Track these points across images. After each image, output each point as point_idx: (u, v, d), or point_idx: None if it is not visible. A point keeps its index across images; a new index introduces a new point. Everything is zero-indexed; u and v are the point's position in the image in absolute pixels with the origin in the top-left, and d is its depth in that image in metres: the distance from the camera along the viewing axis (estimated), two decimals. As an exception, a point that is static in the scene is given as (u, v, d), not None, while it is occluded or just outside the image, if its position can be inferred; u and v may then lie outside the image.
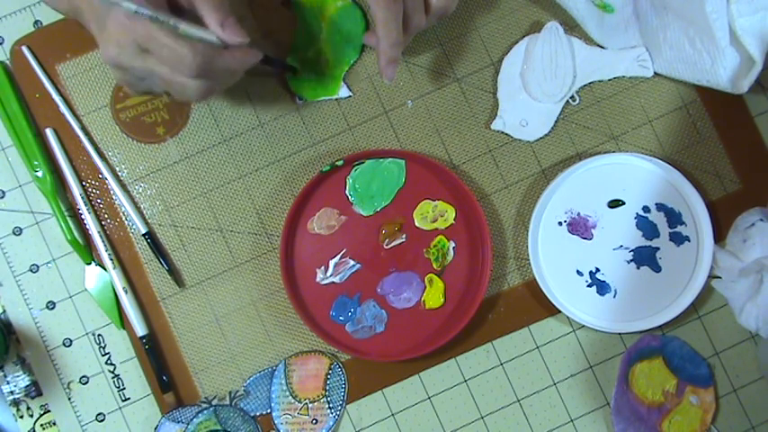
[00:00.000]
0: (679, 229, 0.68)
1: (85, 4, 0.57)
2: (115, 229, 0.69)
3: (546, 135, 0.69)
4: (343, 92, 0.69)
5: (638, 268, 0.68)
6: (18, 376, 0.68)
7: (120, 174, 0.69)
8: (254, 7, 0.68)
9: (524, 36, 0.69)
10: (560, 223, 0.68)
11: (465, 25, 0.70)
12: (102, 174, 0.68)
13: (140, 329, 0.67)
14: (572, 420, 0.69)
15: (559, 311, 0.68)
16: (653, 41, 0.68)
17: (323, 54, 0.69)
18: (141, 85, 0.58)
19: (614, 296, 0.68)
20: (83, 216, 0.68)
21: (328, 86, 0.69)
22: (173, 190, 0.69)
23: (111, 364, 0.68)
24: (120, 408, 0.68)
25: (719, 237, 0.68)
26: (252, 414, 0.68)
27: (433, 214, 0.68)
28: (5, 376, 0.68)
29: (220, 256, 0.69)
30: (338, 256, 0.68)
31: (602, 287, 0.68)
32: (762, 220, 0.66)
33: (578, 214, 0.68)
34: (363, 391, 0.69)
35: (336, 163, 0.67)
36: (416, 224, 0.68)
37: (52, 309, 0.69)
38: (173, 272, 0.68)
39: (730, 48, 0.63)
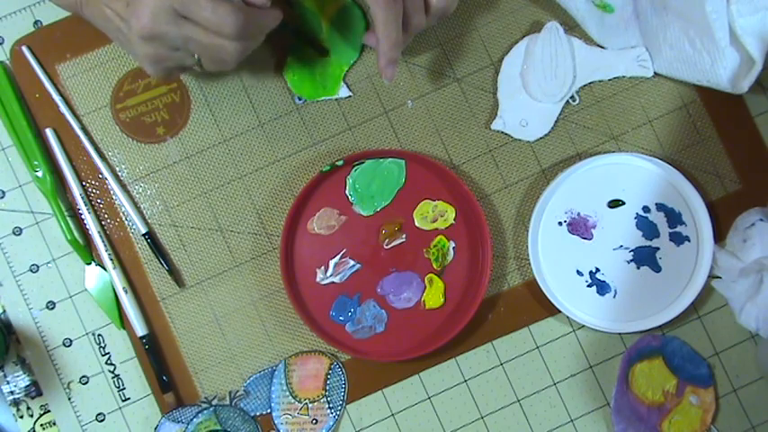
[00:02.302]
0: (679, 229, 0.68)
1: None
2: (115, 229, 0.69)
3: (546, 135, 0.69)
4: (343, 92, 0.69)
5: (638, 268, 0.68)
6: (18, 376, 0.68)
7: (120, 174, 0.69)
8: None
9: (524, 36, 0.69)
10: (560, 223, 0.68)
11: (465, 25, 0.70)
12: (102, 174, 0.68)
13: (140, 329, 0.67)
14: (572, 420, 0.69)
15: (559, 311, 0.68)
16: (653, 41, 0.68)
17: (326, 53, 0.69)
18: (173, 57, 0.57)
19: (614, 296, 0.68)
20: (83, 216, 0.68)
21: (328, 86, 0.69)
22: (173, 190, 0.69)
23: (111, 364, 0.68)
24: (120, 408, 0.68)
25: (719, 237, 0.68)
26: (252, 414, 0.68)
27: (433, 214, 0.68)
28: (5, 376, 0.68)
29: (220, 256, 0.69)
30: (338, 256, 0.68)
31: (602, 287, 0.68)
32: (762, 220, 0.66)
33: (578, 214, 0.68)
34: (363, 391, 0.69)
35: (336, 163, 0.67)
36: (416, 224, 0.68)
37: (52, 309, 0.69)
38: (173, 272, 0.68)
39: (730, 48, 0.63)
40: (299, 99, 0.69)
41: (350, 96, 0.69)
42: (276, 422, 0.68)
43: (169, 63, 0.58)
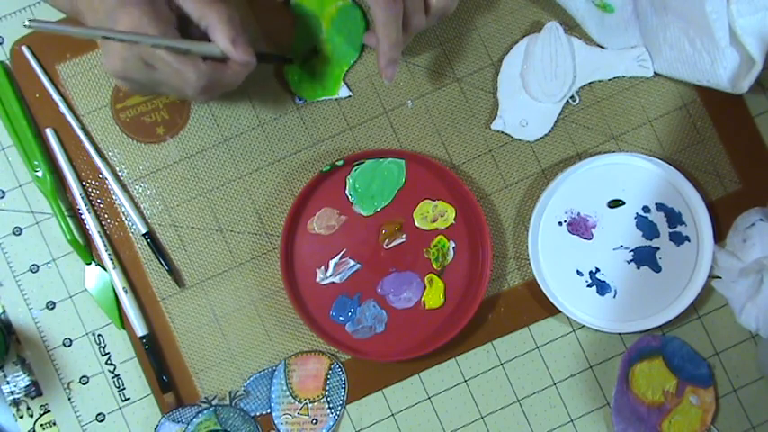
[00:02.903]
0: (679, 229, 0.68)
1: (89, 14, 0.57)
2: (115, 229, 0.69)
3: (546, 135, 0.69)
4: (343, 92, 0.69)
5: (638, 268, 0.68)
6: (18, 376, 0.68)
7: (120, 174, 0.69)
8: (254, 7, 0.68)
9: (524, 36, 0.69)
10: (560, 223, 0.68)
11: (465, 25, 0.70)
12: (102, 174, 0.68)
13: (140, 329, 0.67)
14: (572, 420, 0.69)
15: (559, 311, 0.68)
16: (653, 41, 0.68)
17: (323, 54, 0.69)
18: (144, 91, 0.59)
19: (614, 296, 0.68)
20: (83, 216, 0.68)
21: (328, 86, 0.69)
22: (173, 190, 0.69)
23: (111, 364, 0.68)
24: (120, 408, 0.68)
25: (719, 237, 0.68)
26: (252, 414, 0.68)
27: (433, 214, 0.68)
28: (5, 376, 0.68)
29: (220, 256, 0.69)
30: (338, 256, 0.68)
31: (602, 287, 0.68)
32: (762, 220, 0.66)
33: (578, 214, 0.68)
34: (363, 391, 0.69)
35: (336, 163, 0.67)
36: (416, 224, 0.68)
37: (52, 309, 0.69)
38: (173, 272, 0.68)
39: (730, 48, 0.63)
40: (300, 99, 0.69)
41: (350, 96, 0.69)
42: (276, 422, 0.68)
43: (143, 93, 0.60)
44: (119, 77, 0.56)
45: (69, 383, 0.68)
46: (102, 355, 0.68)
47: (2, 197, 0.69)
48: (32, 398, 0.68)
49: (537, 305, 0.69)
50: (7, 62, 0.69)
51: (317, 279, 0.68)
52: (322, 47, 0.68)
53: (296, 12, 0.68)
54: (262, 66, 0.68)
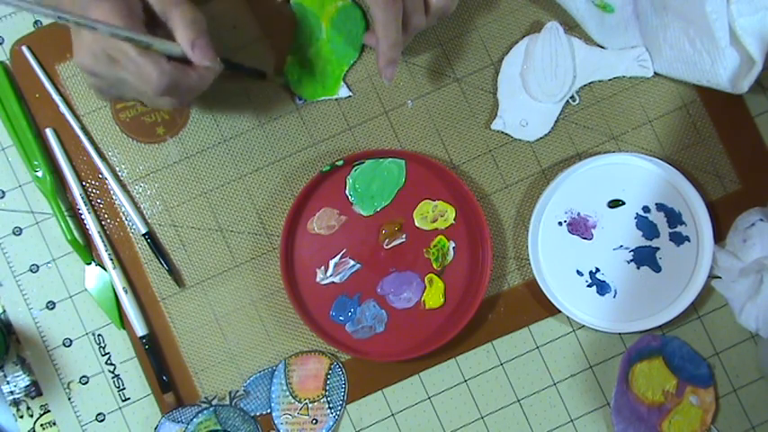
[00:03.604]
0: (679, 229, 0.68)
1: (67, 3, 0.57)
2: (115, 229, 0.69)
3: (546, 135, 0.69)
4: (343, 92, 0.69)
5: (638, 268, 0.68)
6: (18, 376, 0.68)
7: (120, 174, 0.69)
8: (254, 7, 0.68)
9: (524, 36, 0.69)
10: (560, 223, 0.68)
11: (465, 25, 0.70)
12: (102, 174, 0.68)
13: (140, 329, 0.67)
14: (572, 420, 0.69)
15: (559, 311, 0.68)
16: (653, 41, 0.68)
17: (323, 54, 0.69)
18: (112, 91, 0.59)
19: (614, 296, 0.68)
20: (83, 216, 0.68)
21: (328, 86, 0.69)
22: (173, 190, 0.69)
23: (111, 364, 0.68)
24: (120, 408, 0.68)
25: (719, 237, 0.68)
26: (252, 414, 0.68)
27: (433, 214, 0.68)
28: (5, 376, 0.68)
29: (220, 256, 0.69)
30: (338, 256, 0.68)
31: (602, 287, 0.68)
32: (762, 220, 0.66)
33: (578, 214, 0.68)
34: (363, 391, 0.69)
35: (336, 163, 0.67)
36: (416, 224, 0.68)
37: (52, 309, 0.69)
38: (173, 272, 0.68)
39: (730, 48, 0.63)
40: (300, 99, 0.69)
41: (350, 96, 0.69)
42: (276, 422, 0.68)
43: (111, 95, 0.59)
44: (87, 72, 0.56)
45: (69, 383, 0.68)
46: (102, 355, 0.68)
47: (2, 197, 0.69)
48: (32, 398, 0.68)
49: (537, 305, 0.69)
50: (7, 62, 0.69)
51: (317, 279, 0.68)
52: (322, 47, 0.68)
53: (296, 12, 0.68)
54: (261, 65, 0.68)
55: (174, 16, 0.55)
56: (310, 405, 0.68)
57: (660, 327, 0.69)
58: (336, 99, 0.69)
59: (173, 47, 0.55)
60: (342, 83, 0.69)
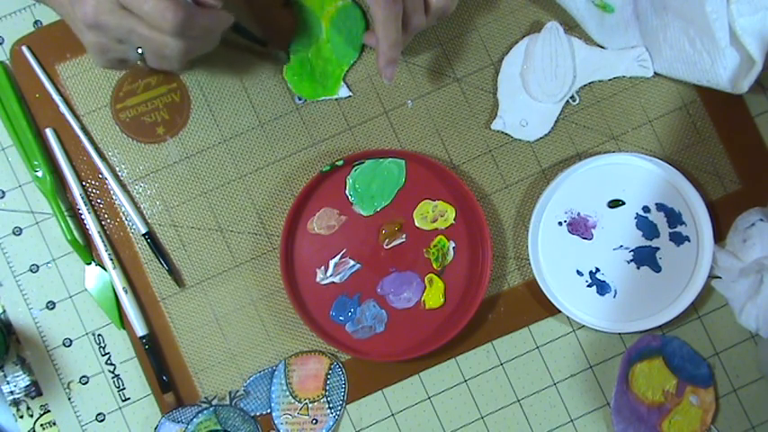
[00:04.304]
0: (679, 229, 0.68)
1: None
2: (115, 229, 0.69)
3: (546, 135, 0.69)
4: (343, 92, 0.69)
5: (638, 268, 0.68)
6: (18, 376, 0.68)
7: (120, 174, 0.69)
8: (254, 8, 0.68)
9: (524, 36, 0.69)
10: (560, 223, 0.68)
11: (465, 25, 0.70)
12: (102, 174, 0.68)
13: (140, 329, 0.67)
14: (572, 420, 0.69)
15: (559, 311, 0.68)
16: (653, 41, 0.68)
17: (323, 54, 0.69)
18: (117, 48, 0.57)
19: (614, 296, 0.68)
20: (83, 216, 0.68)
21: (328, 86, 0.69)
22: (173, 190, 0.69)
23: (111, 364, 0.68)
24: (120, 408, 0.68)
25: (719, 237, 0.68)
26: (252, 414, 0.68)
27: (433, 214, 0.68)
28: (5, 376, 0.68)
29: (220, 256, 0.69)
30: (338, 256, 0.68)
31: (602, 287, 0.68)
32: (762, 220, 0.66)
33: (578, 214, 0.68)
34: (363, 391, 0.69)
35: (336, 163, 0.67)
36: (416, 224, 0.68)
37: (52, 309, 0.69)
38: (173, 272, 0.68)
39: (730, 48, 0.63)
40: (299, 99, 0.69)
41: (350, 96, 0.69)
42: (276, 422, 0.68)
43: (114, 54, 0.58)
44: (91, 23, 0.55)
45: (69, 383, 0.68)
46: (102, 355, 0.68)
47: (2, 197, 0.69)
48: (32, 398, 0.68)
49: (537, 305, 0.69)
50: (7, 62, 0.69)
51: (317, 279, 0.68)
52: (322, 47, 0.68)
53: (296, 12, 0.68)
54: (261, 65, 0.69)
55: None
56: (310, 405, 0.68)
57: (660, 327, 0.69)
58: (336, 99, 0.69)
59: None
60: (342, 83, 0.69)
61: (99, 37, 0.56)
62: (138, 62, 0.59)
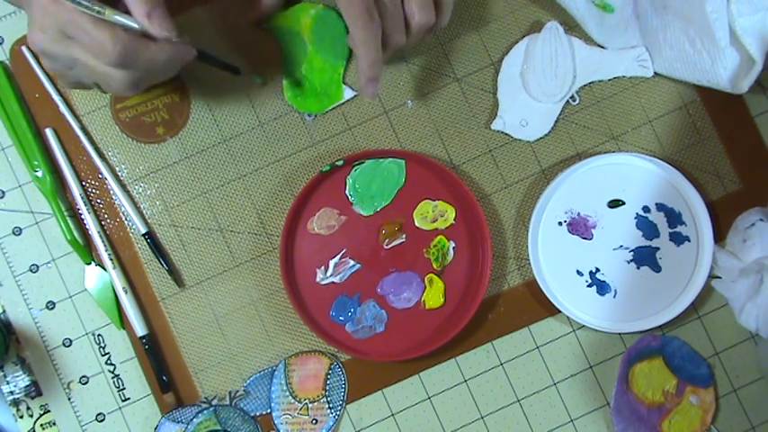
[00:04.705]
0: (679, 229, 0.68)
1: None
2: (115, 229, 0.69)
3: (546, 135, 0.69)
4: (348, 93, 0.69)
5: (638, 268, 0.68)
6: (18, 376, 0.68)
7: (120, 174, 0.69)
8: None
9: (524, 36, 0.69)
10: (560, 223, 0.68)
11: (465, 25, 0.70)
12: (101, 174, 0.68)
13: (140, 329, 0.67)
14: (572, 420, 0.69)
15: (559, 311, 0.68)
16: (653, 41, 0.68)
17: (315, 65, 0.68)
18: (70, 74, 0.57)
19: (614, 296, 0.68)
20: (83, 216, 0.68)
21: (332, 94, 0.69)
22: (173, 190, 0.69)
23: (111, 364, 0.68)
24: (120, 408, 0.68)
25: (719, 237, 0.68)
26: (252, 414, 0.68)
27: (433, 214, 0.68)
28: (5, 376, 0.68)
29: (220, 256, 0.69)
30: (338, 256, 0.68)
31: (602, 287, 0.68)
32: (762, 220, 0.66)
33: (578, 214, 0.68)
34: (363, 391, 0.69)
35: (336, 163, 0.67)
36: (416, 224, 0.68)
37: (52, 309, 0.69)
38: (173, 272, 0.68)
39: (730, 48, 0.63)
40: (309, 116, 0.69)
41: (356, 95, 0.69)
42: (276, 422, 0.68)
43: (69, 79, 0.58)
44: (39, 52, 0.55)
45: (69, 383, 0.68)
46: (102, 355, 0.68)
47: (2, 197, 0.69)
48: (32, 398, 0.68)
49: (537, 305, 0.69)
50: (7, 62, 0.69)
51: (317, 279, 0.68)
52: (312, 59, 0.68)
53: (276, 34, 0.68)
54: (260, 65, 0.68)
55: None
56: (310, 405, 0.68)
57: (660, 327, 0.69)
58: (345, 103, 0.69)
59: (130, 20, 0.53)
60: (343, 85, 0.69)
61: (51, 63, 0.56)
62: (95, 87, 0.58)
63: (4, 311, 0.69)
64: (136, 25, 0.53)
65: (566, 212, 0.68)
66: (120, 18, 0.53)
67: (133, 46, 0.53)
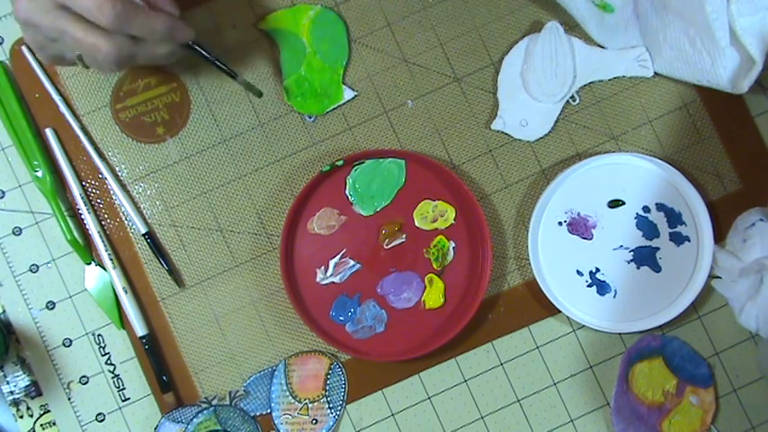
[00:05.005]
0: (679, 229, 0.68)
1: None
2: (115, 229, 0.69)
3: (546, 135, 0.69)
4: (348, 94, 0.69)
5: (638, 268, 0.68)
6: (18, 376, 0.68)
7: (120, 174, 0.69)
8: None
9: (524, 36, 0.69)
10: (560, 223, 0.68)
11: (465, 25, 0.70)
12: (102, 174, 0.68)
13: (140, 329, 0.67)
14: (572, 420, 0.69)
15: (559, 311, 0.68)
16: (653, 41, 0.68)
17: (315, 66, 0.68)
18: (52, 48, 0.56)
19: (614, 296, 0.68)
20: (83, 216, 0.68)
21: (332, 95, 0.69)
22: (173, 190, 0.69)
23: (111, 364, 0.68)
24: (120, 408, 0.68)
25: (719, 237, 0.68)
26: (252, 414, 0.68)
27: (433, 214, 0.68)
28: (5, 376, 0.68)
29: (220, 256, 0.69)
30: (338, 256, 0.68)
31: (602, 287, 0.68)
32: (762, 220, 0.66)
33: (578, 214, 0.68)
34: (363, 391, 0.69)
35: (336, 163, 0.67)
36: (416, 224, 0.68)
37: (52, 309, 0.69)
38: (173, 272, 0.68)
39: (730, 48, 0.63)
40: (309, 117, 0.69)
41: (356, 96, 0.69)
42: (276, 422, 0.68)
43: (51, 51, 0.56)
44: (24, 21, 0.53)
45: (69, 383, 0.68)
46: (102, 355, 0.68)
47: (2, 197, 0.69)
48: (32, 398, 0.68)
49: (537, 305, 0.69)
50: (7, 62, 0.69)
51: (317, 279, 0.68)
52: (311, 60, 0.68)
53: (274, 37, 0.68)
54: (261, 65, 0.69)
55: None
56: (310, 405, 0.68)
57: (660, 327, 0.69)
58: (345, 103, 0.69)
59: None
60: (343, 86, 0.69)
61: (33, 34, 0.55)
62: (77, 62, 0.57)
63: (4, 311, 0.69)
64: None
65: (566, 212, 0.68)
66: None
67: (130, 10, 0.52)
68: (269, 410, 0.68)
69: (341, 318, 0.68)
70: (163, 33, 0.55)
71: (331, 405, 0.68)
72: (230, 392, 0.68)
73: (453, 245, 0.68)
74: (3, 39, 0.69)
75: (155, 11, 0.54)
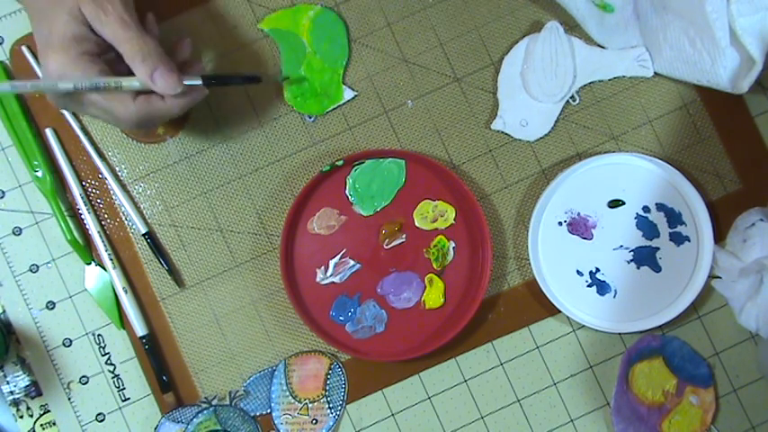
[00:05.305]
0: (679, 229, 0.68)
1: (34, 15, 0.57)
2: (115, 229, 0.69)
3: (546, 135, 0.69)
4: (348, 94, 0.69)
5: (638, 268, 0.68)
6: (18, 376, 0.68)
7: (120, 174, 0.69)
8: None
9: (524, 36, 0.69)
10: (560, 223, 0.68)
11: (465, 25, 0.70)
12: (101, 174, 0.68)
13: (140, 329, 0.67)
14: (572, 420, 0.69)
15: (559, 311, 0.68)
16: (653, 41, 0.68)
17: (315, 66, 0.68)
18: (74, 107, 0.58)
19: (614, 296, 0.68)
20: (83, 216, 0.68)
21: (332, 95, 0.69)
22: (173, 190, 0.69)
23: (111, 364, 0.68)
24: (120, 408, 0.68)
25: (719, 237, 0.68)
26: (252, 414, 0.68)
27: (433, 214, 0.68)
28: (5, 376, 0.68)
29: (220, 256, 0.69)
30: (338, 256, 0.68)
31: (602, 287, 0.68)
32: (762, 220, 0.66)
33: (578, 214, 0.68)
34: (363, 391, 0.69)
35: (336, 163, 0.67)
36: (416, 224, 0.68)
37: (52, 309, 0.69)
38: (173, 272, 0.68)
39: (730, 48, 0.63)
40: (309, 117, 0.69)
41: (356, 96, 0.69)
42: (276, 422, 0.68)
43: (70, 108, 0.59)
44: (53, 101, 0.57)
45: (69, 383, 0.68)
46: (102, 355, 0.68)
47: (2, 197, 0.69)
48: (32, 398, 0.68)
49: (537, 305, 0.69)
50: (7, 62, 0.69)
51: (317, 279, 0.68)
52: (311, 60, 0.68)
53: (274, 37, 0.68)
54: (260, 65, 0.69)
55: (125, 52, 0.55)
56: (310, 405, 0.68)
57: (660, 327, 0.69)
58: (345, 103, 0.69)
59: (136, 82, 0.56)
60: (343, 86, 0.69)
61: (62, 104, 0.58)
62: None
63: (4, 311, 0.69)
64: (138, 84, 0.56)
65: (566, 212, 0.68)
66: (130, 83, 0.55)
67: (145, 110, 0.56)
68: (269, 410, 0.68)
69: (341, 318, 0.68)
70: (181, 110, 0.58)
71: (331, 405, 0.68)
72: (230, 392, 0.68)
73: (453, 245, 0.68)
74: (3, 39, 0.69)
75: (167, 97, 0.57)
